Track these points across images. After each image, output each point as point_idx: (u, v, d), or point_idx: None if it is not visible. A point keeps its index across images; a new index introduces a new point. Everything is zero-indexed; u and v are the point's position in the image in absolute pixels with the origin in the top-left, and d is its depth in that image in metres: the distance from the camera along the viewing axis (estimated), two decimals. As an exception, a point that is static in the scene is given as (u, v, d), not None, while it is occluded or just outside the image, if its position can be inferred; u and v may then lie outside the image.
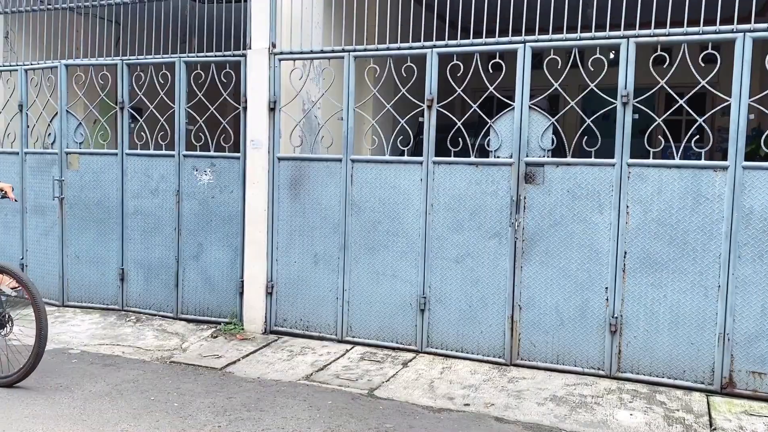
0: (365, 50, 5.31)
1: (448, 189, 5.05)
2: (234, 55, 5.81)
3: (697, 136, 4.82)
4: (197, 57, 5.92)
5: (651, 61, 4.49)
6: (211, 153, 5.88)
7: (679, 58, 4.41)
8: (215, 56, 5.89)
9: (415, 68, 5.09)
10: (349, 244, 5.38)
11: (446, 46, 5.03)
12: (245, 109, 5.69)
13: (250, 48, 5.64)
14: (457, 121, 5.07)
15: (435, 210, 5.08)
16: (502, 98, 4.97)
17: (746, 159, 4.31)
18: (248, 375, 4.77)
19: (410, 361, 5.05)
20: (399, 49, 5.19)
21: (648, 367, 4.58)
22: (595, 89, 4.68)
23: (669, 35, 4.46)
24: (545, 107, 4.99)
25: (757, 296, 4.31)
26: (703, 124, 4.57)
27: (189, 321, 6.02)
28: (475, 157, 5.05)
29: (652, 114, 4.84)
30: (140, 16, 6.15)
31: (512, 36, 4.87)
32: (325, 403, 4.25)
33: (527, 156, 4.81)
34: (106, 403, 4.20)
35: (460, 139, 5.02)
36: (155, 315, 6.17)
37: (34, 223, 6.65)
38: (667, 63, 4.51)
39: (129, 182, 6.19)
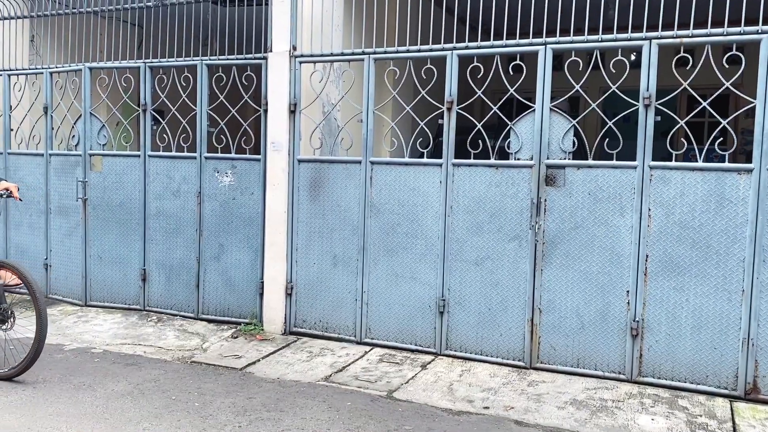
0: (385, 52, 5.32)
1: (467, 191, 5.04)
2: (255, 58, 5.85)
3: (721, 139, 4.76)
4: (219, 60, 5.97)
5: (674, 62, 4.45)
6: (232, 155, 5.93)
7: (702, 60, 4.36)
8: (236, 59, 5.94)
9: (435, 70, 5.09)
10: (368, 246, 5.39)
11: (466, 48, 5.02)
12: (266, 111, 5.73)
13: (270, 51, 5.68)
14: (477, 123, 5.06)
15: (454, 212, 5.08)
16: (523, 100, 4.95)
17: (771, 161, 4.26)
18: (268, 375, 4.80)
19: (429, 363, 5.05)
20: (419, 51, 5.19)
21: (670, 372, 4.53)
22: (616, 91, 4.65)
23: (692, 36, 4.42)
24: (566, 109, 4.96)
25: (782, 301, 4.25)
26: (726, 126, 4.51)
27: (209, 321, 6.07)
28: (495, 159, 5.04)
29: (675, 116, 4.79)
30: (162, 20, 6.22)
31: (533, 38, 4.85)
32: (344, 404, 4.26)
33: (548, 158, 4.78)
34: (128, 402, 4.25)
35: (479, 141, 5.01)
36: (176, 315, 6.22)
37: (58, 224, 6.75)
38: (690, 65, 4.46)
39: (151, 184, 6.26)
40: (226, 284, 6.01)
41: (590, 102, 4.99)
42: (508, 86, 4.88)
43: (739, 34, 4.30)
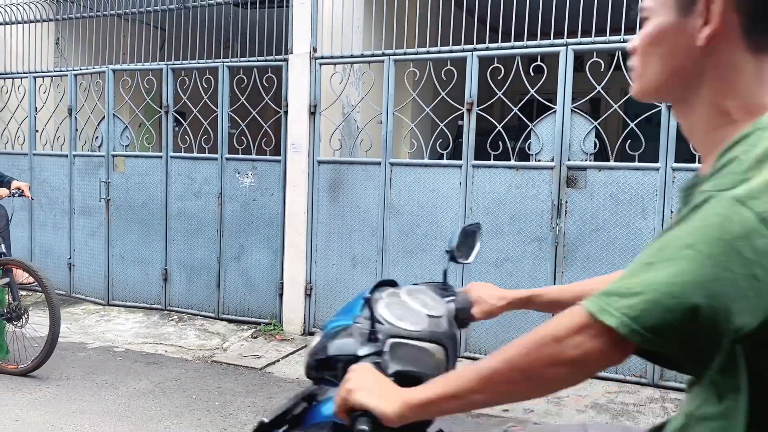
0: (405, 54, 5.33)
1: (487, 193, 5.02)
2: (275, 60, 5.88)
3: None
4: (240, 62, 6.01)
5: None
6: (253, 156, 5.97)
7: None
8: (257, 61, 5.98)
9: (455, 71, 5.07)
10: (386, 247, 5.39)
11: (487, 49, 5.00)
12: (286, 113, 5.76)
13: (291, 53, 5.71)
14: (497, 124, 5.04)
15: (474, 214, 5.06)
16: (543, 101, 4.92)
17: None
18: (287, 375, 4.82)
19: (448, 365, 5.03)
20: (439, 52, 5.18)
21: (692, 376, 4.47)
22: (638, 92, 4.59)
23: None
24: (587, 110, 4.92)
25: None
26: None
27: (229, 321, 6.11)
28: (516, 160, 5.01)
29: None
30: (184, 22, 6.28)
31: (554, 39, 4.82)
32: (363, 405, 4.25)
33: (569, 160, 4.75)
34: (150, 400, 4.29)
35: (500, 142, 4.99)
36: (197, 315, 6.27)
37: (81, 224, 6.84)
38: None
39: (173, 184, 6.32)
40: (246, 284, 6.05)
41: (612, 103, 4.94)
42: (529, 87, 4.85)
43: None
